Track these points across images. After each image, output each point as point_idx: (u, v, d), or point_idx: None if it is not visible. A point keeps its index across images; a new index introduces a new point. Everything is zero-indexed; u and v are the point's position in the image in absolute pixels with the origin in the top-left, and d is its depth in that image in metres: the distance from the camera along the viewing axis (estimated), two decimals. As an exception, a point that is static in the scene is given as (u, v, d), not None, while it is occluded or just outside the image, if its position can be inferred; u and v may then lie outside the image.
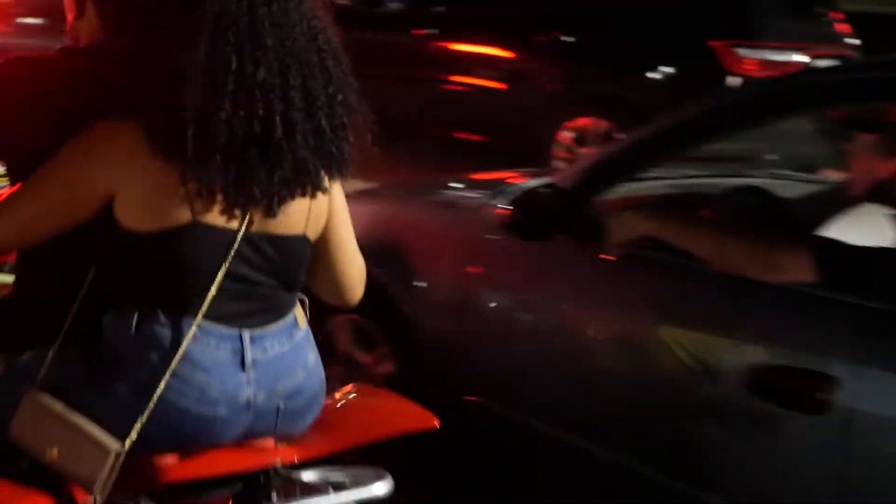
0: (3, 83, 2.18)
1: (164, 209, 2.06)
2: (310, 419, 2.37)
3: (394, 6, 10.11)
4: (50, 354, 2.15)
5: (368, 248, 2.55)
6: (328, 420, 2.45)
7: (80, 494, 2.09)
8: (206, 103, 2.00)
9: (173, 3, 2.06)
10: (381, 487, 2.41)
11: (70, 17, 2.31)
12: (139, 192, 2.06)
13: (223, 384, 2.16)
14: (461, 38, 9.32)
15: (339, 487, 2.39)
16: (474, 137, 9.02)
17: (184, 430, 2.16)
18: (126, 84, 2.06)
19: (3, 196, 2.18)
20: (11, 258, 2.48)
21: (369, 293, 2.57)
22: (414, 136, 8.55)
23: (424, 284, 3.63)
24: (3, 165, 2.46)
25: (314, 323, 2.43)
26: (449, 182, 4.42)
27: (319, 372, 2.37)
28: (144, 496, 2.20)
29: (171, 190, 2.05)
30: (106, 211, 2.08)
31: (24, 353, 2.25)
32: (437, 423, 2.55)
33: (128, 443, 2.05)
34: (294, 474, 2.38)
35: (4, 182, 2.38)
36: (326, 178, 2.18)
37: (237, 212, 2.10)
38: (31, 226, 2.13)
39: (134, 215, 2.07)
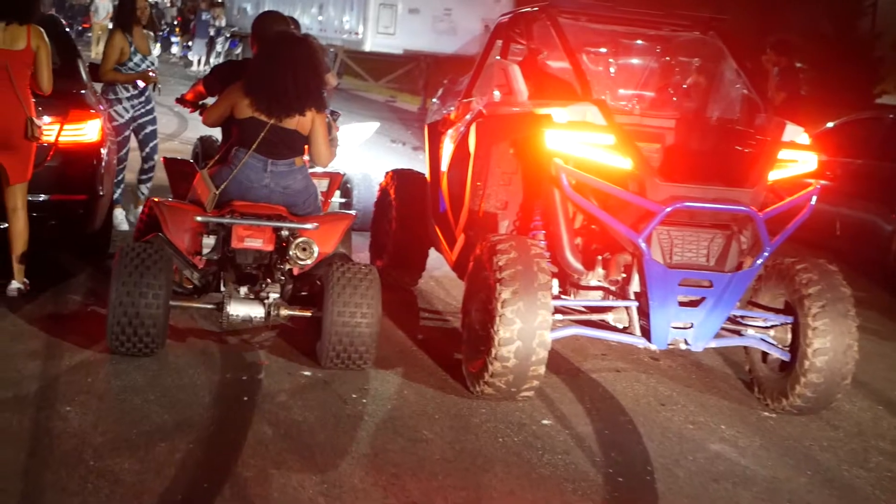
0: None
1: (246, 111, 6.56)
2: (301, 206, 6.73)
3: None
4: (209, 164, 7.02)
5: None
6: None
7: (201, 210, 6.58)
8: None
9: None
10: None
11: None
12: (241, 105, 6.57)
13: (257, 175, 6.58)
14: None
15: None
16: None
17: (240, 192, 6.57)
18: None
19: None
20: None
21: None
22: None
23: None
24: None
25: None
26: None
27: (307, 185, 6.79)
28: (231, 213, 6.43)
29: (247, 106, 6.57)
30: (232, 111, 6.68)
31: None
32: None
33: (218, 191, 6.54)
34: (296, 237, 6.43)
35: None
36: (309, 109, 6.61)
37: (269, 116, 6.53)
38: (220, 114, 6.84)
39: (238, 113, 6.60)
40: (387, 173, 9.00)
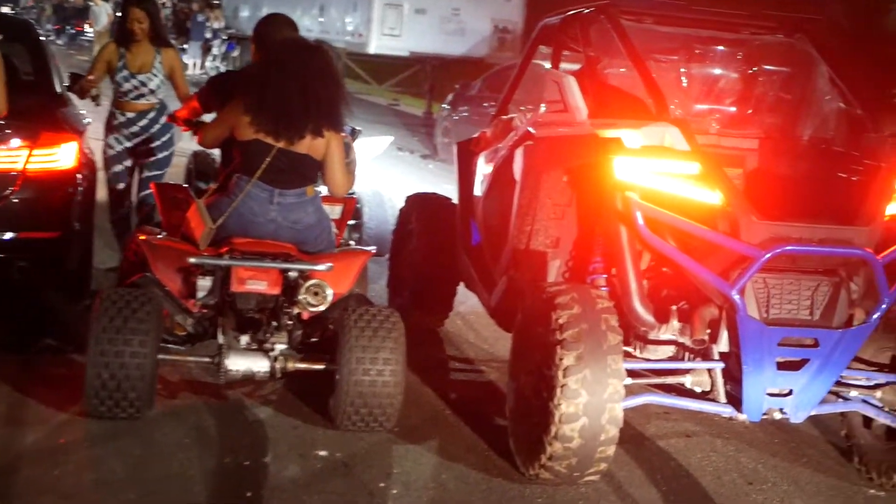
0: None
1: (248, 132, 5.44)
2: (313, 243, 5.68)
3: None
4: (206, 195, 5.85)
5: None
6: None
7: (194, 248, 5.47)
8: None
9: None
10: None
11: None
12: (242, 125, 5.45)
13: (262, 207, 5.50)
14: None
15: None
16: None
17: (242, 226, 5.49)
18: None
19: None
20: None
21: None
22: None
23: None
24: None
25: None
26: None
27: (320, 219, 5.76)
28: (230, 252, 5.38)
29: (249, 125, 5.45)
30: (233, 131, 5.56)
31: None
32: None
33: (215, 225, 5.43)
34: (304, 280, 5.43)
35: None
36: (324, 130, 5.52)
37: (276, 138, 5.44)
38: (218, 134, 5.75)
39: (240, 134, 5.48)
40: (408, 198, 7.86)
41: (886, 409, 5.53)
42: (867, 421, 5.72)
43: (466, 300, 7.76)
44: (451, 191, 8.63)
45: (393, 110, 26.07)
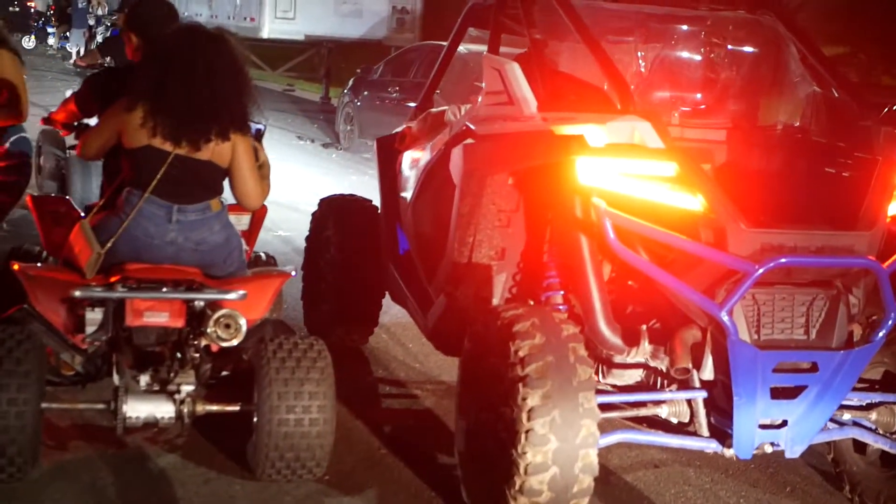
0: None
1: (139, 138, 4.64)
2: (221, 265, 4.86)
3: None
4: (92, 213, 4.92)
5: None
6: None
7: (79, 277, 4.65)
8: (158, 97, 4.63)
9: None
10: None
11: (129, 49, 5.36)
12: (131, 130, 4.65)
13: (158, 227, 4.68)
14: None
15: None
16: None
17: (135, 250, 4.68)
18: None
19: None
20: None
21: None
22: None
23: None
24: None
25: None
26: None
27: (228, 237, 4.88)
28: (123, 281, 4.59)
29: (139, 129, 4.64)
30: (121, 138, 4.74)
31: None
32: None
33: (104, 249, 4.61)
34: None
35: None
36: (231, 132, 4.68)
37: (174, 143, 4.63)
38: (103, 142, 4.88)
39: (129, 140, 4.68)
40: (322, 201, 7.02)
41: (881, 431, 4.89)
42: (858, 445, 5.08)
43: (389, 310, 6.99)
44: (358, 183, 7.80)
45: (288, 96, 25.12)
